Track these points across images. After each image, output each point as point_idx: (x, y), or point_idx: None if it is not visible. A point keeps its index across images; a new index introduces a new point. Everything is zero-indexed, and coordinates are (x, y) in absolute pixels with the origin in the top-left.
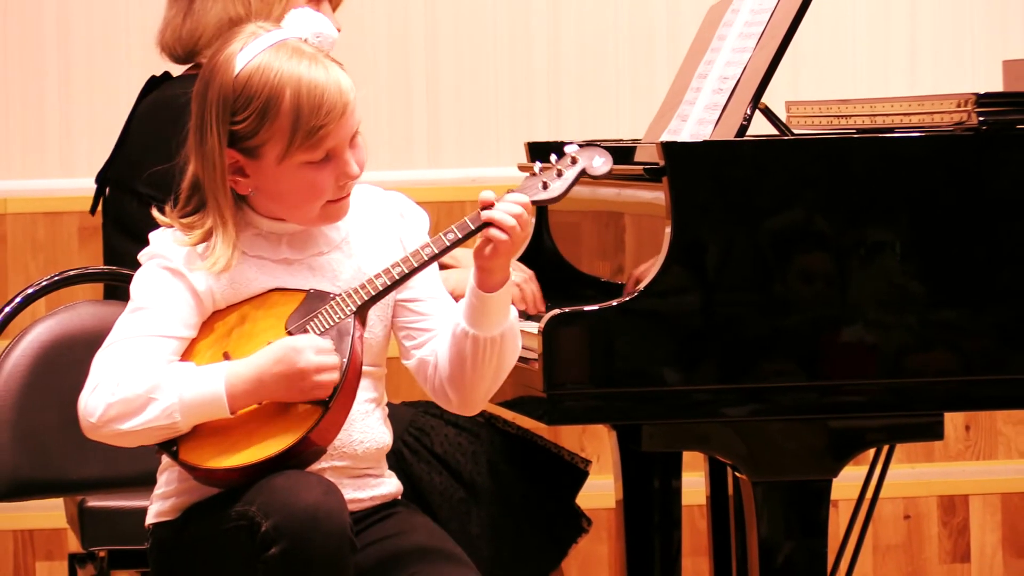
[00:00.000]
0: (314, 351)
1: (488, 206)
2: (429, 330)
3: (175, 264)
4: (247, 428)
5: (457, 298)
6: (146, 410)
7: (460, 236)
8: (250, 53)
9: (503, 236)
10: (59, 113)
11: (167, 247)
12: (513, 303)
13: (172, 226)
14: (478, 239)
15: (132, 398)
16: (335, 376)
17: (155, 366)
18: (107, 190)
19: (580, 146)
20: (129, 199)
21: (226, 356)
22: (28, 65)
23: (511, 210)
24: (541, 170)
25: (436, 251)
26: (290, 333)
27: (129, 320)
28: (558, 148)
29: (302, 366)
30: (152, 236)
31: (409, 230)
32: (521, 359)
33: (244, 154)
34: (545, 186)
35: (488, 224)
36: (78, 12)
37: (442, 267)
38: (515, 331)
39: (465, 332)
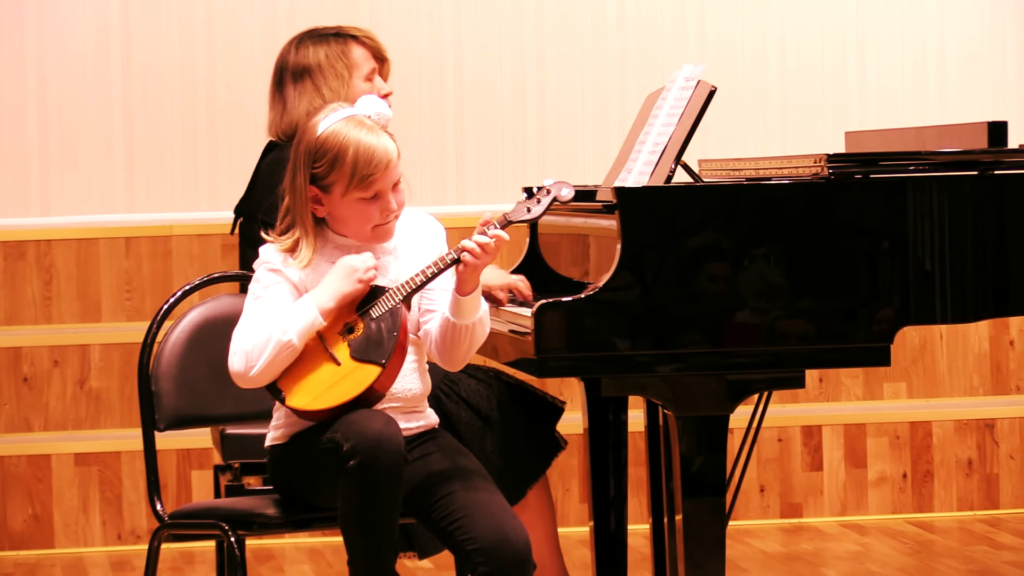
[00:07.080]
0: (359, 259)
1: (487, 222)
2: (433, 311)
3: (275, 265)
4: (331, 382)
5: (483, 291)
6: (269, 346)
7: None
8: (329, 122)
9: (469, 258)
10: (207, 165)
11: (269, 255)
12: (515, 296)
13: (273, 241)
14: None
15: (259, 344)
16: (374, 273)
17: (266, 324)
18: (241, 218)
19: (554, 182)
20: (255, 224)
21: None
22: (187, 131)
23: (479, 241)
24: (526, 199)
25: (456, 256)
26: (359, 313)
27: (250, 307)
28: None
29: (355, 265)
30: (260, 250)
31: (433, 239)
32: (518, 333)
33: (320, 189)
34: (528, 210)
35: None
36: (221, 90)
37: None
38: (484, 321)
39: (448, 319)
